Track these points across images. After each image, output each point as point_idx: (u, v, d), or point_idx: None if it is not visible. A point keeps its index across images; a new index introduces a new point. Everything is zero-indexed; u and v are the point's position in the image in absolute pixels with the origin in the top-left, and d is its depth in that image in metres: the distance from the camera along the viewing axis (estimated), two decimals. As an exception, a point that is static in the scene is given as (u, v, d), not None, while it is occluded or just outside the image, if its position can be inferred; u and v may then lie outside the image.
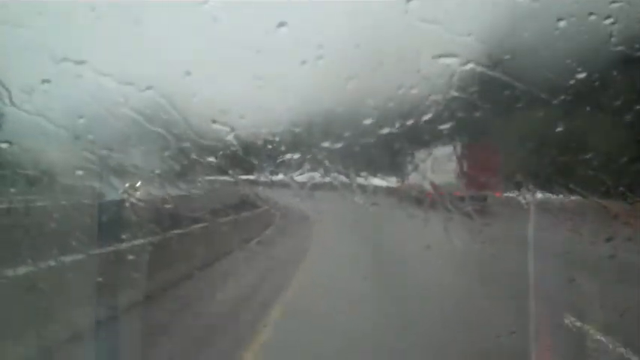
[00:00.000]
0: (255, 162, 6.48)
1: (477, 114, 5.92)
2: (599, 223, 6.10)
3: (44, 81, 4.92)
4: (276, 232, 14.33)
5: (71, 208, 6.72)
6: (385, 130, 5.99)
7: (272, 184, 6.59)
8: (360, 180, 6.24)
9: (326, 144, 5.85)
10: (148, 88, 5.72)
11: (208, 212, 8.98)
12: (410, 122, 5.89)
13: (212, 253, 9.39)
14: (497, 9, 5.82)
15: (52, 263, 5.80)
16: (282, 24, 4.91)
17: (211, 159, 6.41)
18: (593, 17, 5.24)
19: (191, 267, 8.44)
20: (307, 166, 5.92)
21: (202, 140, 6.37)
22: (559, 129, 5.98)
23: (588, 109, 6.39)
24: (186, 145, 6.48)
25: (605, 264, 5.68)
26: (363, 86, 6.01)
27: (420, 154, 7.98)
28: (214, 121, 6.08)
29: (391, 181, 8.90)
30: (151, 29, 5.67)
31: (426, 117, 5.72)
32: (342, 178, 6.03)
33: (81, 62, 5.12)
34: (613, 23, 5.14)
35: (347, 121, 6.19)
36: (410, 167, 8.06)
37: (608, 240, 5.49)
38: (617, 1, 5.32)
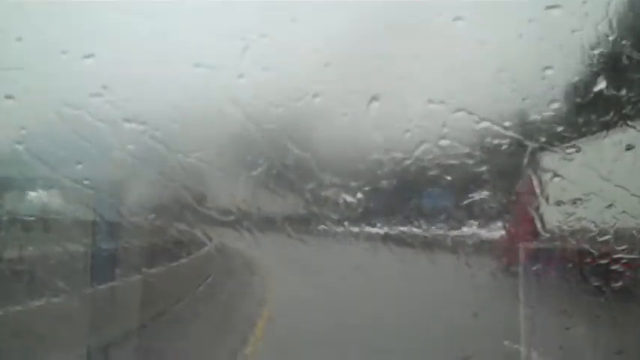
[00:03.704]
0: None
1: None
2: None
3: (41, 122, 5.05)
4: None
5: (65, 254, 6.69)
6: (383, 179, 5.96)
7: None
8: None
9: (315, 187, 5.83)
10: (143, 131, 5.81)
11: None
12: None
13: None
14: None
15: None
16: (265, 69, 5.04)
17: (208, 208, 6.42)
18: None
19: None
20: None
21: (201, 187, 6.43)
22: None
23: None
24: (184, 192, 6.52)
25: None
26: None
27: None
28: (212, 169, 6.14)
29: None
30: (147, 79, 5.83)
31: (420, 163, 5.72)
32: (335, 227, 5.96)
33: (79, 107, 5.26)
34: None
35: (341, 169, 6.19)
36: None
37: None
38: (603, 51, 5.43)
